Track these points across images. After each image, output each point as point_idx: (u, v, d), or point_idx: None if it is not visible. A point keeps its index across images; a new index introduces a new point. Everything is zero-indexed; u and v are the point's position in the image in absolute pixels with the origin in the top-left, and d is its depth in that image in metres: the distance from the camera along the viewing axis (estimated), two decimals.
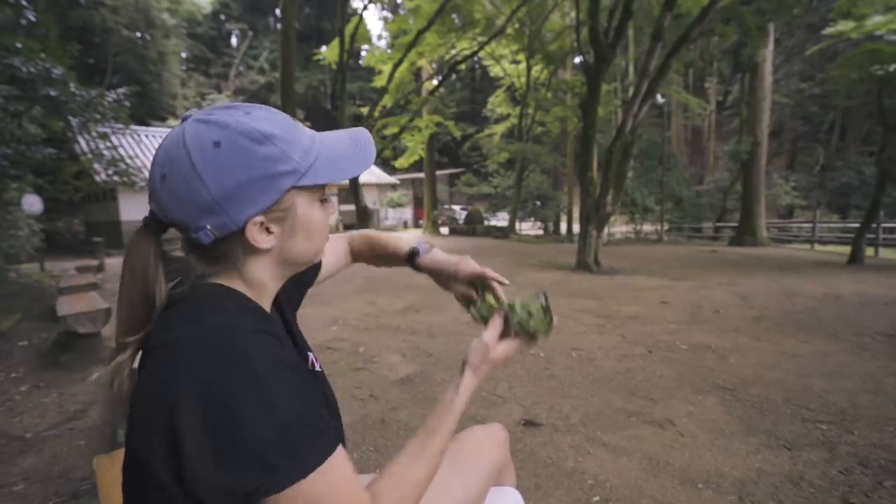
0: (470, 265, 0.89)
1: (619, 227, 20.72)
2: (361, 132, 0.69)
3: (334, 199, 0.78)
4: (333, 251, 0.99)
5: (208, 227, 0.56)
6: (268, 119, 0.59)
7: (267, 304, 0.67)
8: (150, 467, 0.51)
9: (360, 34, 13.75)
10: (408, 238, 1.01)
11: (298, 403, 0.52)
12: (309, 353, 0.77)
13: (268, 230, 0.60)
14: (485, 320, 0.82)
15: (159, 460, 0.50)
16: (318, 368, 0.77)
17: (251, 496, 0.49)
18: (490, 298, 0.86)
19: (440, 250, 0.95)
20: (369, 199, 18.82)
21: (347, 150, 0.65)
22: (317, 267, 0.92)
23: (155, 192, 0.58)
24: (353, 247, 1.04)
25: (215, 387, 0.50)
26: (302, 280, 0.87)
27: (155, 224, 0.60)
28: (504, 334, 0.80)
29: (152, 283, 0.59)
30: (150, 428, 0.51)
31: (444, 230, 20.54)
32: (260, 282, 0.64)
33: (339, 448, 0.55)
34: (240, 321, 0.56)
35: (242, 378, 0.50)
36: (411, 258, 0.96)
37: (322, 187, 0.64)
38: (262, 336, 0.55)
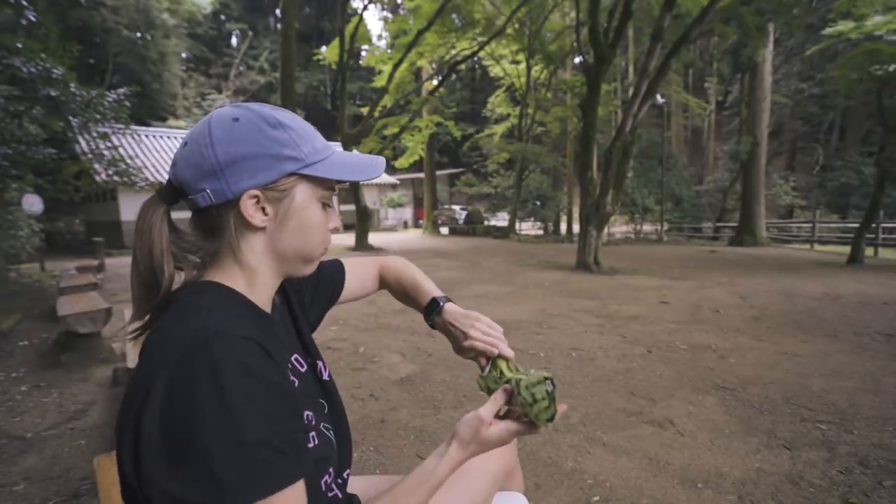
0: (477, 341, 0.83)
1: (619, 227, 20.71)
2: (379, 157, 0.70)
3: (336, 212, 0.75)
4: (360, 275, 0.97)
5: (207, 190, 0.58)
6: (289, 115, 0.63)
7: (264, 302, 0.66)
8: (122, 462, 0.51)
9: (360, 34, 13.74)
10: (432, 287, 0.95)
11: (262, 423, 0.49)
12: (318, 362, 0.77)
13: (263, 210, 0.60)
14: (489, 391, 0.76)
15: (127, 457, 0.50)
16: (325, 377, 0.77)
17: None
18: (501, 366, 0.80)
19: (456, 307, 0.90)
20: (369, 199, 18.84)
21: (358, 161, 0.67)
22: (337, 284, 0.92)
23: (175, 157, 0.62)
24: (382, 274, 1.01)
25: (180, 391, 0.48)
26: (320, 295, 0.87)
27: (167, 191, 0.63)
28: (506, 414, 0.73)
29: (158, 247, 0.59)
30: (122, 423, 0.51)
31: (444, 230, 20.54)
32: (254, 268, 0.63)
33: (298, 483, 0.51)
34: (225, 324, 0.54)
35: (209, 386, 0.48)
36: (429, 312, 0.91)
37: (325, 187, 0.64)
38: (244, 344, 0.53)
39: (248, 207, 0.59)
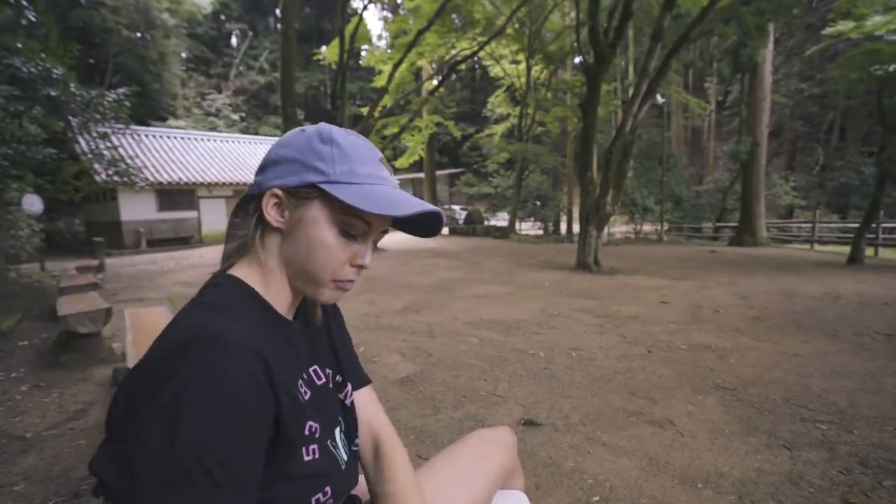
0: None
1: (619, 227, 20.72)
2: (432, 207, 0.64)
3: (364, 248, 0.64)
4: (370, 414, 0.84)
5: (256, 180, 0.65)
6: (350, 136, 0.65)
7: (283, 308, 0.65)
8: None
9: (360, 34, 13.74)
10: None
11: (203, 435, 0.47)
12: (349, 385, 0.77)
13: (282, 212, 0.62)
14: None
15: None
16: (348, 402, 0.75)
17: (114, 494, 0.47)
18: None
19: None
20: None
21: (397, 199, 0.62)
22: (359, 380, 0.86)
23: None
24: (379, 446, 0.80)
25: (152, 374, 0.50)
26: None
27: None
28: None
29: (229, 229, 0.68)
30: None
31: (444, 230, 20.55)
32: (271, 269, 0.64)
33: None
34: (228, 328, 0.53)
35: (175, 381, 0.48)
36: None
37: (345, 212, 0.61)
38: (237, 355, 0.52)
39: (268, 203, 0.62)
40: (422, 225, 0.70)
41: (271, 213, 0.62)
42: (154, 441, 0.46)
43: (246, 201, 0.66)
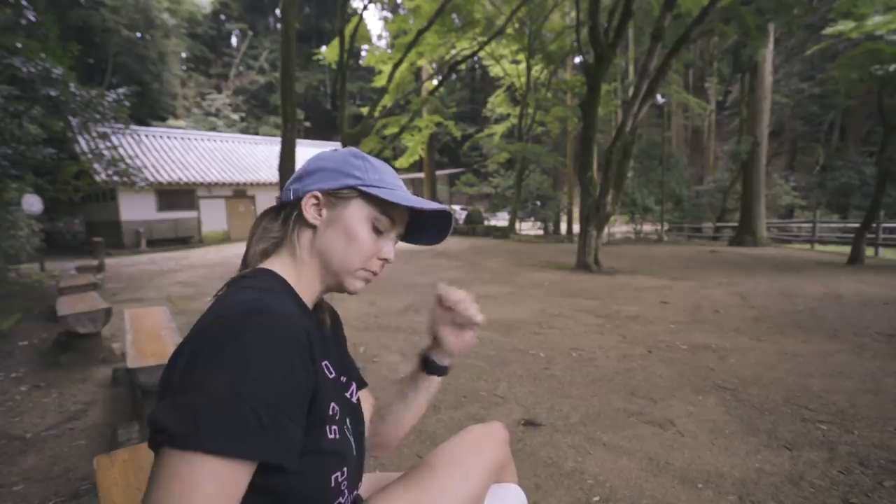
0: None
1: (619, 227, 20.71)
2: (445, 207, 0.78)
3: (391, 244, 0.78)
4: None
5: (292, 188, 0.74)
6: (377, 160, 0.77)
7: (308, 298, 0.73)
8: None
9: (360, 34, 13.74)
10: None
11: (263, 389, 0.53)
12: (353, 384, 0.82)
13: (319, 211, 0.72)
14: None
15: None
16: (353, 400, 0.79)
17: (172, 438, 0.50)
18: None
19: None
20: None
21: (419, 199, 0.75)
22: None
23: None
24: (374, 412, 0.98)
25: (213, 338, 0.55)
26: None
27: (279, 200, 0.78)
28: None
29: (252, 231, 0.76)
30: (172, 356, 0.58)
31: None
32: (302, 262, 0.72)
33: (248, 465, 0.52)
34: (272, 302, 0.61)
35: (240, 343, 0.54)
36: (428, 365, 0.94)
37: (379, 211, 0.73)
38: (284, 320, 0.59)
39: (308, 203, 0.72)
40: (432, 230, 0.82)
41: (310, 212, 0.72)
42: (220, 391, 0.51)
43: (277, 208, 0.76)
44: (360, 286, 0.76)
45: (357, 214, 0.72)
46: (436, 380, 0.93)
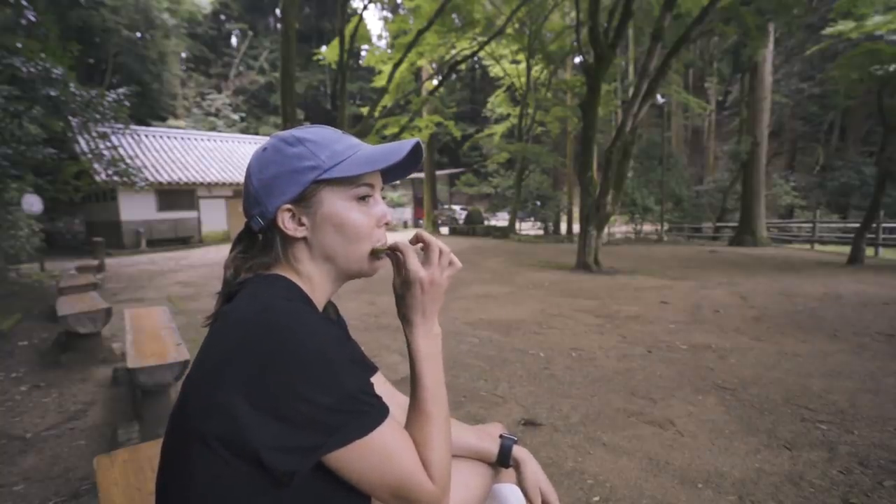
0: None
1: (619, 227, 20.70)
2: (409, 140, 0.71)
3: (381, 204, 0.74)
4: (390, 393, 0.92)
5: (256, 214, 0.68)
6: (310, 129, 0.69)
7: (319, 304, 0.71)
8: (204, 435, 0.54)
9: (360, 34, 13.73)
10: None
11: (357, 375, 0.59)
12: None
13: (299, 221, 0.67)
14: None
15: (214, 426, 0.54)
16: None
17: (314, 451, 0.55)
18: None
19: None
20: None
21: (383, 150, 0.69)
22: None
23: None
24: None
25: (263, 343, 0.55)
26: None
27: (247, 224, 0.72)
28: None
29: (226, 260, 0.71)
30: (202, 393, 0.56)
31: (444, 230, 20.55)
32: (308, 275, 0.70)
33: (390, 419, 0.60)
34: (292, 299, 0.63)
35: (303, 335, 0.56)
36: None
37: (353, 184, 0.68)
38: (323, 317, 0.63)
39: (285, 221, 0.67)
40: (407, 161, 0.72)
41: (290, 227, 0.67)
42: (325, 391, 0.54)
43: (249, 236, 0.71)
44: (378, 265, 0.73)
45: (336, 203, 0.67)
46: None
